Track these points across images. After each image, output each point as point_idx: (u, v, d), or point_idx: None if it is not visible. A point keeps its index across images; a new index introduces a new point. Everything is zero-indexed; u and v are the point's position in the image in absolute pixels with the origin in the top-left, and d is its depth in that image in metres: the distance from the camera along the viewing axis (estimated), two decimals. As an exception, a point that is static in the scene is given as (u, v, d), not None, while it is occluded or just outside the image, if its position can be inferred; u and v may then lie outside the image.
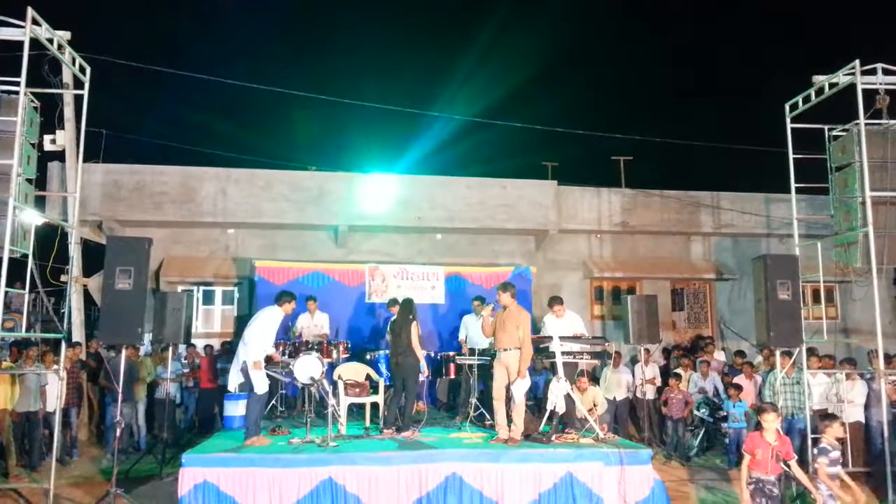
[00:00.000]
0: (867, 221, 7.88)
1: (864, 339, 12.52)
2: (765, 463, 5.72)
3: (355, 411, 8.86)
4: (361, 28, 35.33)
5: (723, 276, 14.12)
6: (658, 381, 10.52)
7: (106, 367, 9.76)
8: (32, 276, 7.60)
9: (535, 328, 8.80)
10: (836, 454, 5.95)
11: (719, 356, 11.93)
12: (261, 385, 7.22)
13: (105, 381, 10.03)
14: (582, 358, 8.10)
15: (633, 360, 11.08)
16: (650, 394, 10.40)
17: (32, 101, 7.74)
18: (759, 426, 5.96)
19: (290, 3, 36.01)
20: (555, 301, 8.51)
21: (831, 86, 8.57)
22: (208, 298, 12.84)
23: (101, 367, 10.11)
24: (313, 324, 10.05)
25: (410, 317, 7.91)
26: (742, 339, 13.34)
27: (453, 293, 11.78)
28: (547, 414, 7.62)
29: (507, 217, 13.10)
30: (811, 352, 9.14)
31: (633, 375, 10.61)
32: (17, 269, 7.56)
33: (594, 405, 8.61)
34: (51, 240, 9.78)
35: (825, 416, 6.60)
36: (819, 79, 8.78)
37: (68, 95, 10.28)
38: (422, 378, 8.07)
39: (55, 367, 8.16)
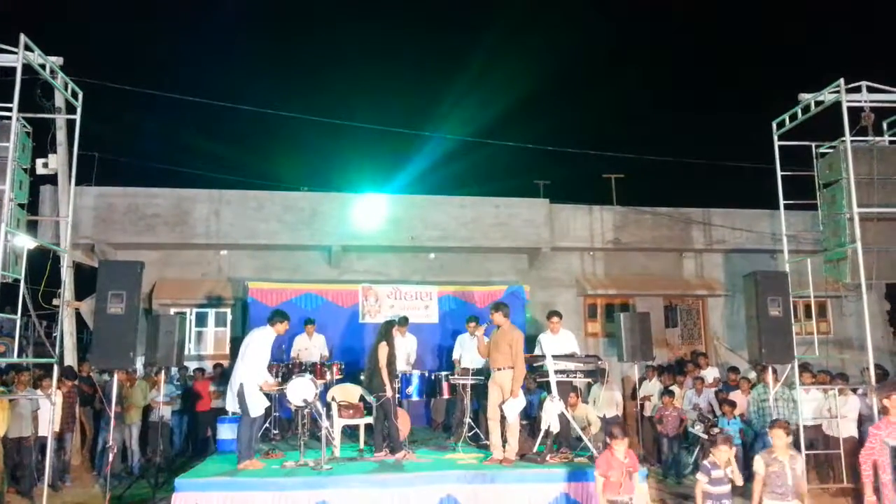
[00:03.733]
0: (855, 237, 7.94)
1: (856, 353, 12.57)
2: (617, 484, 5.65)
3: (349, 433, 8.82)
4: (354, 48, 35.64)
5: (715, 292, 14.17)
6: (655, 399, 10.53)
7: (98, 391, 9.71)
8: (24, 300, 7.57)
9: (530, 347, 8.80)
10: (718, 473, 5.65)
11: (713, 372, 11.94)
12: (256, 408, 7.20)
13: (97, 405, 9.98)
14: (576, 376, 8.11)
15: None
16: (647, 411, 10.41)
17: (25, 126, 7.77)
18: (607, 446, 5.94)
19: (283, 24, 36.30)
20: (553, 314, 8.53)
21: (817, 104, 8.67)
22: (201, 320, 12.79)
23: (94, 391, 10.04)
24: (312, 345, 10.06)
25: (382, 339, 7.92)
26: (736, 354, 13.36)
27: (447, 312, 11.79)
28: (542, 433, 7.62)
29: (500, 236, 13.15)
30: (804, 367, 9.17)
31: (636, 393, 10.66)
32: (8, 294, 7.55)
33: (588, 423, 8.59)
34: (43, 263, 9.74)
35: (711, 437, 6.35)
36: (805, 97, 8.89)
37: (60, 120, 10.30)
38: (392, 397, 7.96)
39: (48, 391, 8.11)
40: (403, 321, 9.67)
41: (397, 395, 8.29)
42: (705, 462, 5.86)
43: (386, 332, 8.00)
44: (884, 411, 5.61)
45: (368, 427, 8.43)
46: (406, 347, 9.80)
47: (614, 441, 5.79)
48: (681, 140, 25.46)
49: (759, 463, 5.67)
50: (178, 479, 6.56)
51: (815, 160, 9.03)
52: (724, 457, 5.68)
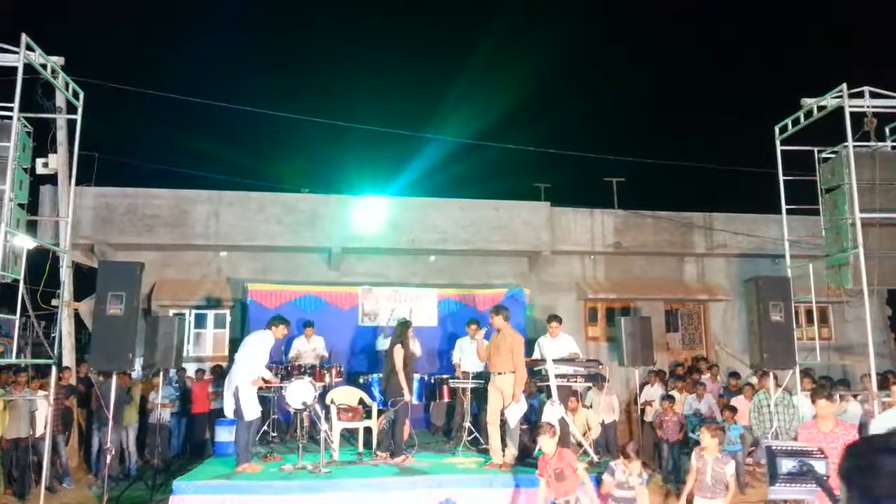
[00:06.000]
0: (857, 243, 7.92)
1: (857, 359, 12.52)
2: (550, 484, 5.72)
3: (348, 436, 8.78)
4: (355, 49, 35.65)
5: (717, 296, 14.13)
6: (656, 404, 10.49)
7: (96, 392, 9.66)
8: (23, 300, 7.54)
9: (530, 351, 8.76)
10: (620, 475, 5.82)
11: (713, 377, 11.90)
12: (251, 411, 7.15)
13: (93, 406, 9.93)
14: (576, 381, 8.07)
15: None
16: (648, 416, 10.37)
17: (25, 125, 7.75)
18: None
19: (283, 25, 36.32)
20: (552, 318, 8.49)
21: (819, 108, 8.66)
22: (200, 322, 12.74)
23: (90, 392, 10.00)
24: (310, 348, 10.02)
25: (397, 341, 7.86)
26: (737, 359, 13.32)
27: (446, 315, 11.76)
28: (541, 438, 7.56)
29: (501, 238, 13.11)
30: (805, 373, 9.13)
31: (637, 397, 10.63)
32: (7, 294, 7.52)
33: (588, 428, 8.56)
34: (42, 263, 9.72)
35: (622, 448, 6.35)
36: (807, 101, 8.87)
37: (61, 120, 10.28)
38: (410, 401, 7.92)
39: (44, 392, 8.08)
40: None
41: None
42: (611, 463, 6.02)
43: (400, 333, 7.91)
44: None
45: (367, 430, 8.39)
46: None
47: (539, 441, 5.90)
48: (682, 144, 25.47)
49: (693, 456, 5.98)
50: (176, 482, 6.53)
51: (817, 165, 9.01)
52: (708, 442, 5.83)
